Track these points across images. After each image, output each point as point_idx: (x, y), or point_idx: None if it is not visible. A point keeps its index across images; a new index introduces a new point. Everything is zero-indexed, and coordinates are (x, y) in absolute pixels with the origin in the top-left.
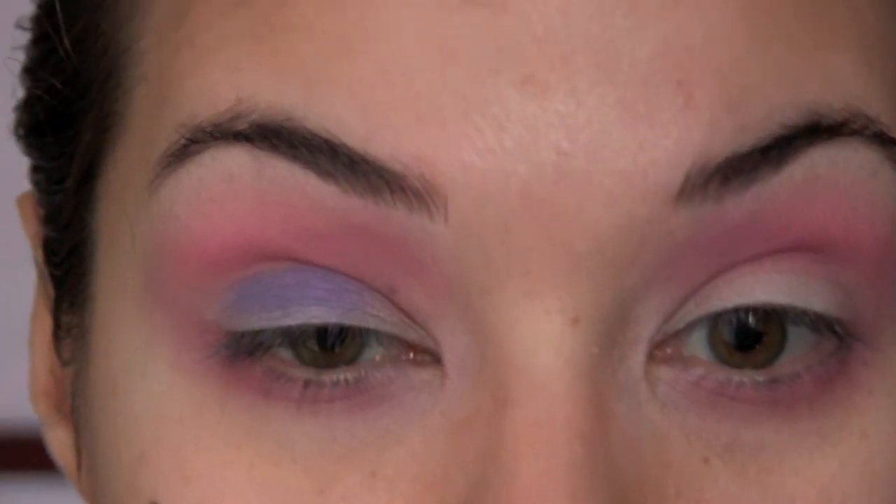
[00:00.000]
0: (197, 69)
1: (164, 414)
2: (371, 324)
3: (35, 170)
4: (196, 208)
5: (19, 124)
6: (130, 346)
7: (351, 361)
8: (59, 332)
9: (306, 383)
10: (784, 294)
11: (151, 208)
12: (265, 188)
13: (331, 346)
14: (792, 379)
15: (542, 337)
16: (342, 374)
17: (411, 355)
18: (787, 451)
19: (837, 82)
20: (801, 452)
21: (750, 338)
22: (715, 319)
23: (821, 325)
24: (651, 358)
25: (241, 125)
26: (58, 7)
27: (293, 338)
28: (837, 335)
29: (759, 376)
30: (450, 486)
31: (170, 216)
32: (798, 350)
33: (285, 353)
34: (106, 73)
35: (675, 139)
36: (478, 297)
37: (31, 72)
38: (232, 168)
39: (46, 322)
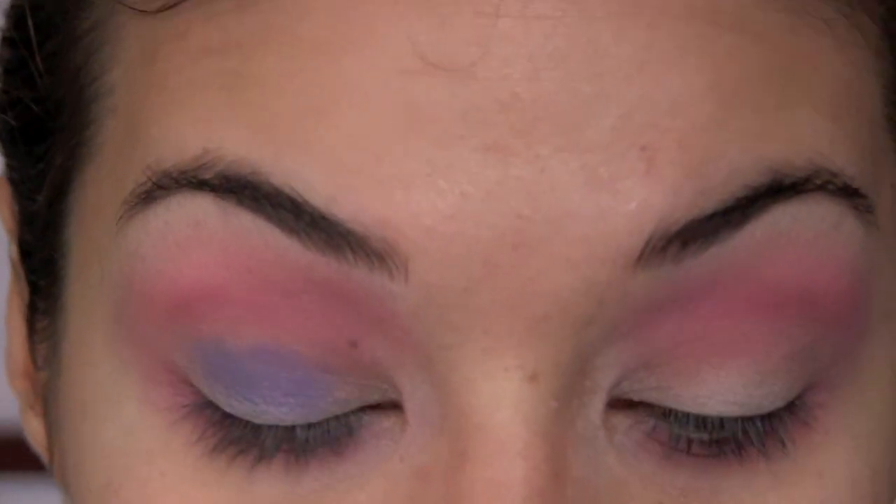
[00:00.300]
0: (166, 114)
1: (132, 447)
2: (336, 411)
3: (9, 167)
4: (162, 251)
5: None
6: (100, 374)
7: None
8: (34, 336)
9: (277, 439)
10: (738, 405)
11: (119, 244)
12: (230, 238)
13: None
14: (742, 435)
15: (501, 394)
16: (311, 434)
17: (375, 406)
18: (742, 494)
19: (801, 139)
20: (754, 495)
21: None
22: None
23: (767, 433)
24: (609, 406)
25: (207, 175)
26: (30, 24)
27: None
28: (780, 416)
29: (707, 436)
30: None
31: (137, 256)
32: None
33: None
34: (76, 99)
35: (636, 206)
36: (437, 352)
37: (4, 73)
38: (198, 215)
39: (21, 330)
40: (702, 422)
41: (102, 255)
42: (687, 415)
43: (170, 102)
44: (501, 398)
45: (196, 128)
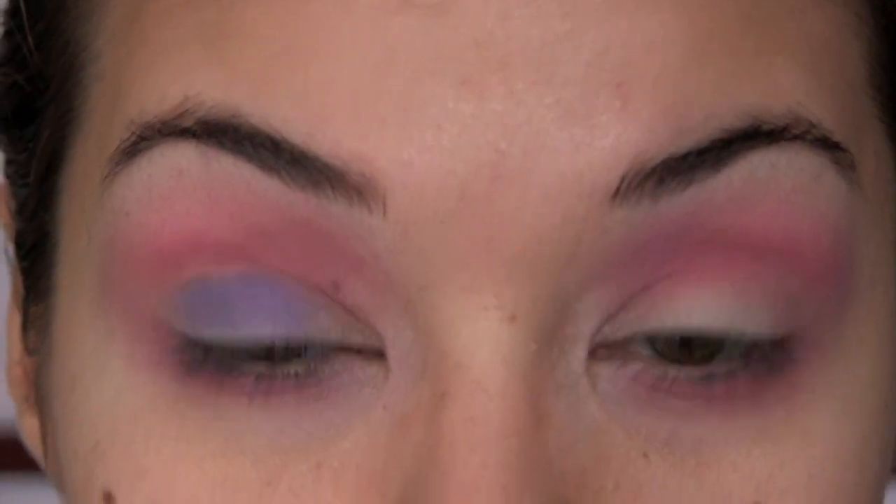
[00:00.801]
0: (149, 69)
1: (119, 409)
2: (316, 336)
3: (7, 162)
4: (146, 205)
5: None
6: (87, 344)
7: (300, 354)
8: (27, 322)
9: (258, 377)
10: (721, 321)
11: (105, 205)
12: (212, 184)
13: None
14: (727, 376)
15: (480, 334)
16: (293, 368)
17: (358, 351)
18: (726, 447)
19: (779, 87)
20: (739, 448)
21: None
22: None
23: (753, 353)
24: (592, 355)
25: (188, 122)
26: (22, 6)
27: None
28: (769, 360)
29: (696, 372)
30: (389, 482)
31: (121, 213)
32: (737, 349)
33: (237, 351)
34: (65, 71)
35: (612, 140)
36: (416, 292)
37: (1, 66)
38: (181, 164)
39: (18, 323)
40: (687, 347)
41: (90, 221)
42: (671, 340)
43: (152, 57)
44: (481, 339)
45: (177, 79)
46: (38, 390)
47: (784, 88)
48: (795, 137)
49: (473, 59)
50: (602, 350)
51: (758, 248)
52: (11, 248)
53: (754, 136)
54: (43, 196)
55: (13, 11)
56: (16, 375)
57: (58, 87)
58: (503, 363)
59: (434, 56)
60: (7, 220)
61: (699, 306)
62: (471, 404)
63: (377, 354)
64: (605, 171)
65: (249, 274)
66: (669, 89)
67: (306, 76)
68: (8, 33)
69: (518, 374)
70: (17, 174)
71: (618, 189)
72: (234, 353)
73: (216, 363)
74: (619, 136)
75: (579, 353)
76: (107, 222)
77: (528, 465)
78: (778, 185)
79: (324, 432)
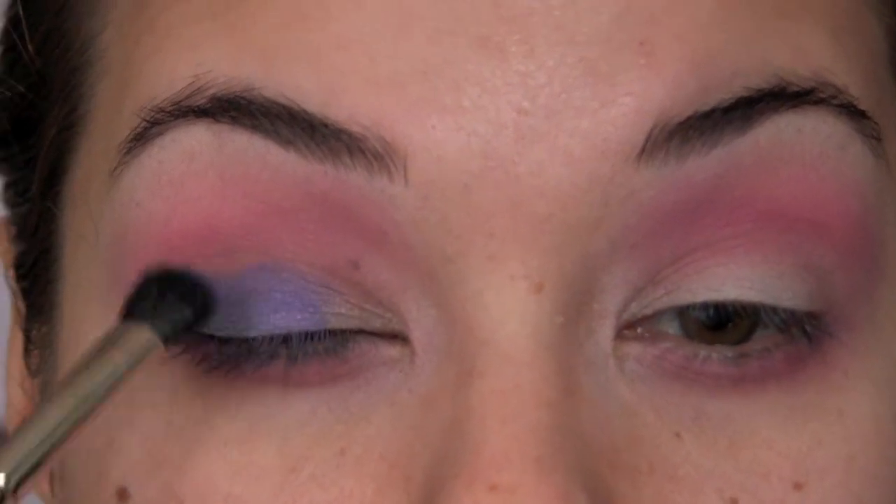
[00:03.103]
0: (157, 52)
1: (135, 400)
2: (333, 324)
3: (6, 187)
4: (156, 192)
5: None
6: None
7: (321, 338)
8: (29, 345)
9: (283, 359)
10: (756, 290)
11: (113, 198)
12: (225, 164)
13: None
14: (762, 354)
15: (507, 305)
16: (315, 347)
17: (379, 335)
18: (757, 424)
19: (804, 51)
20: (771, 426)
21: (722, 318)
22: (685, 308)
23: (790, 323)
24: (620, 336)
25: (201, 100)
26: (21, 13)
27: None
28: (807, 334)
29: (729, 352)
30: (415, 462)
31: (131, 203)
32: (770, 329)
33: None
34: (68, 71)
35: (636, 98)
36: (441, 266)
37: (3, 79)
38: (193, 147)
39: (20, 346)
40: (721, 326)
41: (97, 217)
42: (701, 319)
43: (160, 41)
44: (508, 311)
45: (186, 58)
46: None
47: (810, 52)
48: (821, 101)
49: (491, 18)
50: (629, 331)
51: (787, 216)
52: (11, 275)
53: (780, 96)
54: (45, 209)
55: (15, 22)
56: (18, 414)
57: (61, 87)
58: (532, 334)
59: (451, 16)
60: (6, 248)
61: (731, 277)
62: (500, 378)
63: (398, 337)
64: (629, 129)
65: (264, 267)
66: (694, 47)
67: (318, 38)
68: (10, 48)
69: (546, 346)
70: (16, 194)
71: (643, 148)
72: (251, 344)
73: (236, 351)
74: (643, 93)
75: (607, 331)
76: (115, 216)
77: (561, 437)
78: (804, 149)
79: (349, 416)
